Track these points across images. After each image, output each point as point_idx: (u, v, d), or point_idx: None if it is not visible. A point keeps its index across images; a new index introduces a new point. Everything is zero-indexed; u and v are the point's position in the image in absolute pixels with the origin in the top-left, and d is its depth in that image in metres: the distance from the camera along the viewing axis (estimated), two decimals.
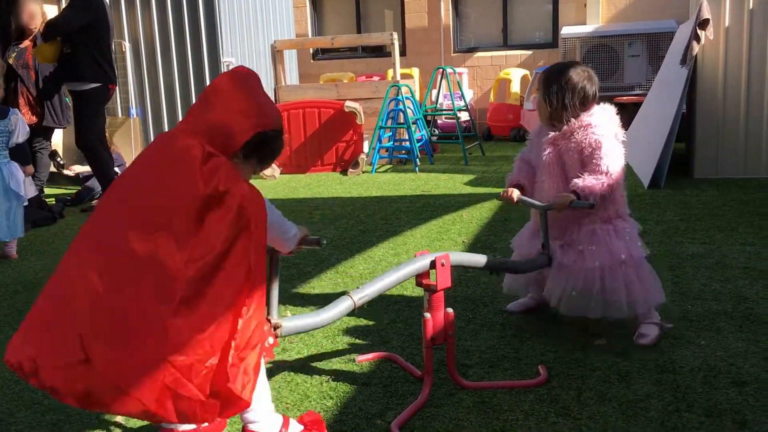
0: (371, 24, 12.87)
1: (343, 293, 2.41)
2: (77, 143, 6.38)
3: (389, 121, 8.53)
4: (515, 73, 10.89)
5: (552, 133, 3.05)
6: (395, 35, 8.91)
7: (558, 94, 2.99)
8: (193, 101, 8.26)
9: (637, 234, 3.07)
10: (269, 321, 2.11)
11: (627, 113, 7.59)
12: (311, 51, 12.77)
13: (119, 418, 2.54)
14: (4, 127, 4.95)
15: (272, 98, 8.96)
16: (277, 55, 9.29)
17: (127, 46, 8.30)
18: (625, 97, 8.66)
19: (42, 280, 4.42)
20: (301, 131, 8.50)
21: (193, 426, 2.16)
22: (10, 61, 6.27)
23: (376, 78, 10.85)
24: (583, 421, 2.40)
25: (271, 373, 2.83)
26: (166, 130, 8.31)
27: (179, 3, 8.18)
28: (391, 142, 8.77)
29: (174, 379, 1.71)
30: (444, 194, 6.61)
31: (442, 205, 6.06)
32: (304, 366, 2.95)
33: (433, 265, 2.56)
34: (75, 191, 7.25)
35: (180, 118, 8.18)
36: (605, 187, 2.88)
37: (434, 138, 10.03)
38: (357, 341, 3.17)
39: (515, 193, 3.10)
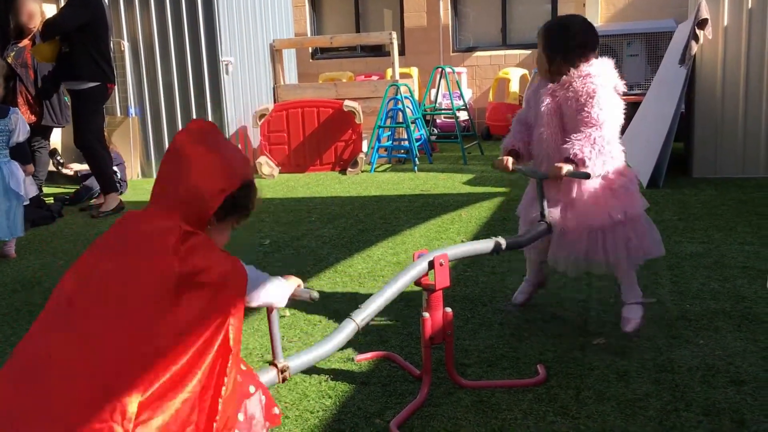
0: (370, 23, 12.87)
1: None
2: (75, 142, 6.37)
3: (388, 121, 8.52)
4: (514, 72, 10.89)
5: (550, 84, 3.04)
6: (394, 34, 8.91)
7: (559, 44, 2.98)
8: (192, 100, 8.30)
9: (635, 188, 3.06)
10: (276, 366, 2.07)
11: (626, 113, 7.59)
12: (310, 50, 12.77)
13: None
14: (5, 126, 4.94)
15: (268, 97, 8.96)
16: (276, 54, 9.29)
17: (125, 45, 8.30)
18: (623, 97, 8.65)
19: (41, 279, 4.42)
20: (299, 131, 8.49)
21: None
22: (9, 60, 6.26)
23: (374, 77, 10.84)
24: (582, 420, 2.40)
25: None
26: (165, 129, 8.34)
27: (178, 2, 8.18)
28: (390, 142, 8.77)
29: None
30: (443, 193, 6.61)
31: (441, 205, 6.06)
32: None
33: (431, 265, 2.56)
34: (73, 190, 7.24)
35: (179, 118, 8.28)
36: (597, 143, 2.84)
37: (433, 137, 10.03)
38: (355, 340, 3.16)
39: (509, 162, 3.08)
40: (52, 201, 6.72)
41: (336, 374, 2.84)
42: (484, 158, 8.92)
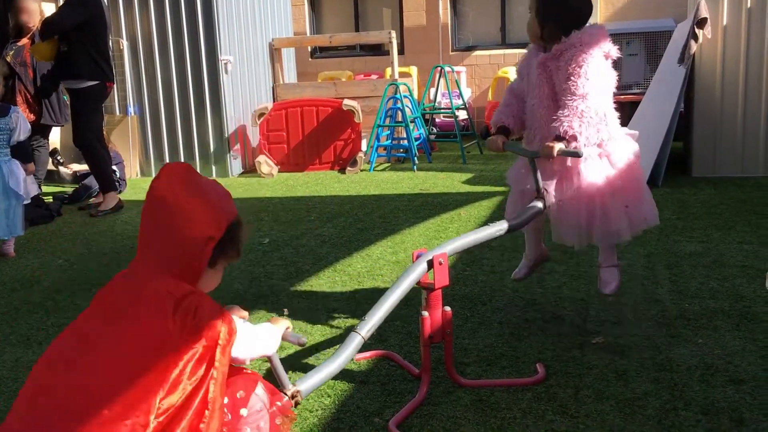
0: (369, 22, 12.86)
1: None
2: (74, 141, 6.37)
3: (387, 120, 8.52)
4: (513, 71, 10.88)
5: (542, 54, 3.00)
6: (393, 33, 8.91)
7: (553, 8, 2.94)
8: (191, 99, 8.30)
9: (630, 153, 3.04)
10: (285, 393, 2.05)
11: (625, 112, 7.59)
12: (309, 49, 12.76)
13: None
14: (5, 125, 4.94)
15: (268, 96, 8.94)
16: (275, 53, 9.29)
17: (124, 44, 8.29)
18: (623, 96, 8.65)
19: (39, 278, 4.42)
20: (299, 130, 8.49)
21: None
22: (8, 58, 6.26)
23: (374, 76, 10.84)
24: (581, 419, 2.40)
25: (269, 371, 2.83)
26: (164, 128, 8.33)
27: (177, 1, 8.16)
28: (389, 141, 8.77)
29: None
30: (442, 193, 6.61)
31: (440, 204, 6.06)
32: (301, 364, 2.95)
33: (430, 264, 2.55)
34: (72, 189, 7.24)
35: (178, 117, 8.28)
36: (586, 116, 2.81)
37: (432, 136, 10.03)
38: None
39: (501, 142, 3.06)
40: (51, 200, 6.72)
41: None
42: (484, 157, 8.92)
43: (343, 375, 2.81)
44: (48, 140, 6.90)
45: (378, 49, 12.34)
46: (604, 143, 2.98)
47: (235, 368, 1.93)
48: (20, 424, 1.71)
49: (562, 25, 2.94)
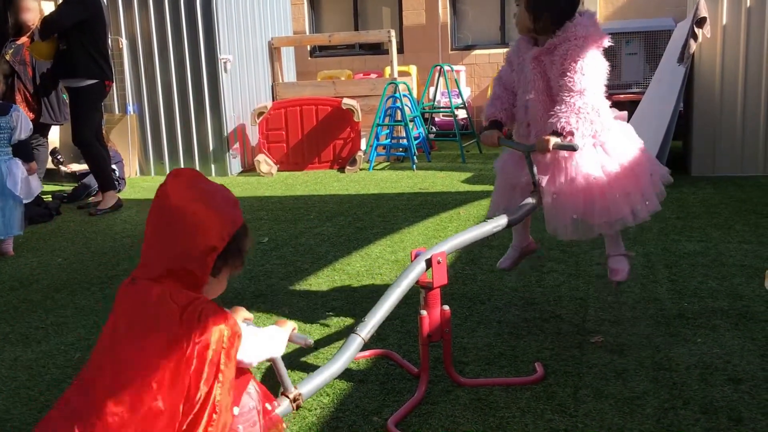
0: (369, 21, 12.86)
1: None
2: (74, 140, 6.36)
3: (387, 119, 8.52)
4: None
5: (535, 48, 2.98)
6: (393, 32, 8.90)
7: (549, 3, 2.90)
8: (191, 98, 8.29)
9: (625, 141, 3.03)
10: (287, 396, 2.06)
11: (625, 111, 7.59)
12: (309, 48, 12.76)
13: None
14: (6, 124, 4.93)
15: (267, 95, 8.93)
16: (274, 52, 9.28)
17: (124, 42, 8.28)
18: (622, 95, 8.65)
19: (38, 277, 4.42)
20: (298, 128, 8.49)
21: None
22: (8, 57, 6.26)
23: (373, 75, 10.83)
24: (580, 418, 2.40)
25: (268, 371, 2.83)
26: (163, 127, 8.32)
27: (176, 0, 8.17)
28: (389, 140, 8.77)
29: None
30: (441, 192, 6.61)
31: (440, 203, 6.06)
32: (300, 363, 2.95)
33: (429, 263, 2.55)
34: (72, 188, 7.24)
35: (177, 116, 8.27)
36: (582, 111, 2.82)
37: (432, 136, 10.02)
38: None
39: (496, 137, 3.05)
40: (50, 199, 6.71)
41: None
42: (483, 156, 8.91)
43: (342, 374, 2.79)
44: (47, 139, 6.90)
45: (377, 48, 12.33)
46: (597, 134, 2.97)
47: None
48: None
49: (556, 17, 2.91)
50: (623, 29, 9.54)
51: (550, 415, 2.43)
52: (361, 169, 8.21)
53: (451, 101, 9.36)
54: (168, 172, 2.17)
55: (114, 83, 6.74)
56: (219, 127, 8.28)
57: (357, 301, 3.65)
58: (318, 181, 7.62)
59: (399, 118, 8.46)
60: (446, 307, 2.61)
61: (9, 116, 4.94)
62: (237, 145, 8.51)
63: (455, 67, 10.56)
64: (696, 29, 6.38)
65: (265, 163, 8.28)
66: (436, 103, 10.02)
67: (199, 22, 8.15)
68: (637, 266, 3.95)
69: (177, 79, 8.29)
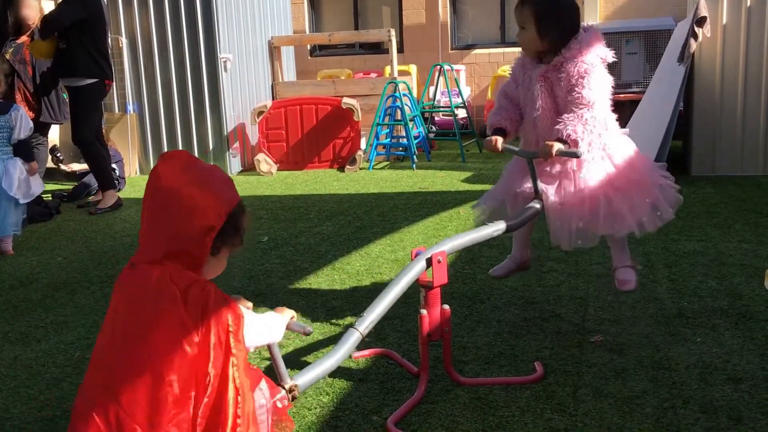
0: (369, 20, 12.86)
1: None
2: (73, 139, 6.37)
3: (386, 118, 8.52)
4: None
5: (542, 66, 3.00)
6: (393, 32, 8.90)
7: (551, 22, 2.92)
8: (191, 97, 8.29)
9: (631, 153, 3.05)
10: (283, 387, 2.06)
11: (625, 111, 7.59)
12: (309, 47, 12.76)
13: None
14: (5, 123, 4.93)
15: (267, 94, 8.94)
16: (274, 51, 9.28)
17: (124, 41, 8.28)
18: (622, 95, 8.65)
19: (38, 276, 4.42)
20: (298, 128, 8.48)
21: None
22: (7, 56, 6.25)
23: (373, 75, 10.83)
24: (579, 418, 2.40)
25: (268, 370, 2.83)
26: (163, 126, 8.33)
27: None
28: (389, 139, 8.77)
29: None
30: (441, 191, 6.61)
31: (439, 202, 6.06)
32: (300, 362, 2.95)
33: (429, 262, 2.55)
34: (71, 187, 7.24)
35: (177, 115, 8.27)
36: (590, 123, 2.85)
37: (431, 135, 10.02)
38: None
39: (499, 142, 3.05)
40: (50, 198, 6.71)
41: (333, 371, 2.83)
42: (483, 156, 8.92)
43: (342, 373, 2.81)
44: (47, 138, 6.89)
45: (377, 48, 12.33)
46: (606, 147, 3.01)
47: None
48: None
49: (563, 35, 2.94)
50: (623, 29, 9.53)
51: (549, 414, 2.43)
52: (360, 169, 8.21)
53: (451, 101, 9.36)
54: None
55: (114, 82, 6.74)
56: (219, 126, 8.28)
57: (357, 300, 3.65)
58: (318, 181, 7.62)
59: (399, 118, 8.46)
60: (446, 307, 2.61)
61: (8, 115, 4.94)
62: (237, 145, 8.51)
63: (455, 67, 10.56)
64: (696, 29, 6.38)
65: (264, 162, 8.28)
66: (436, 102, 10.02)
67: (199, 21, 8.15)
68: (637, 253, 3.94)
69: (177, 78, 8.29)
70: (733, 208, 5.30)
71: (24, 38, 6.38)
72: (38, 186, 5.22)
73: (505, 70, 10.90)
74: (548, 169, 3.02)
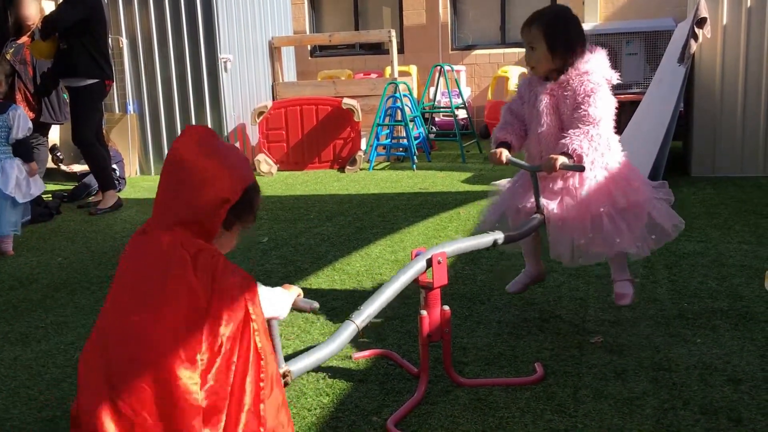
0: (369, 21, 12.86)
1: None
2: (73, 139, 6.37)
3: (387, 119, 8.52)
4: (513, 70, 10.88)
5: (548, 83, 3.03)
6: (393, 32, 8.90)
7: (561, 39, 2.96)
8: (191, 97, 8.29)
9: (634, 173, 3.09)
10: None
11: (625, 111, 7.59)
12: (309, 48, 12.76)
13: None
14: (3, 122, 4.92)
15: (267, 95, 8.94)
16: (274, 51, 9.28)
17: (124, 42, 8.28)
18: (622, 96, 8.65)
19: (38, 277, 4.42)
20: (298, 128, 8.49)
21: None
22: (8, 56, 6.25)
23: (373, 75, 10.84)
24: (579, 419, 2.40)
25: None
26: (163, 126, 8.33)
27: None
28: (389, 140, 8.77)
29: None
30: (441, 192, 6.61)
31: (440, 203, 6.06)
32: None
33: (429, 263, 2.56)
34: (72, 187, 7.24)
35: (177, 115, 8.27)
36: (595, 139, 2.87)
37: (432, 135, 10.02)
38: (353, 339, 3.16)
39: (504, 154, 3.07)
40: (50, 198, 6.71)
41: (333, 372, 2.84)
42: (483, 156, 8.92)
43: (342, 374, 2.81)
44: (47, 138, 6.90)
45: (378, 48, 12.34)
46: (608, 166, 3.04)
47: None
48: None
49: (573, 52, 2.98)
50: (624, 29, 9.54)
51: (549, 416, 2.43)
52: (361, 169, 8.21)
53: (451, 101, 9.36)
54: None
55: (114, 83, 6.74)
56: (219, 126, 8.28)
57: (357, 300, 3.63)
58: (318, 181, 7.62)
59: (399, 118, 8.46)
60: (446, 307, 2.61)
61: (6, 115, 4.93)
62: (237, 145, 8.51)
63: (455, 67, 10.56)
64: (696, 29, 6.38)
65: (265, 162, 8.28)
66: (436, 103, 10.02)
67: (200, 22, 8.15)
68: (636, 266, 3.95)
69: (177, 78, 8.29)
70: (733, 208, 5.30)
71: (24, 39, 6.39)
72: (38, 186, 5.21)
73: (506, 70, 10.90)
74: (551, 185, 3.05)
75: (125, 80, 8.30)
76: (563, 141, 2.91)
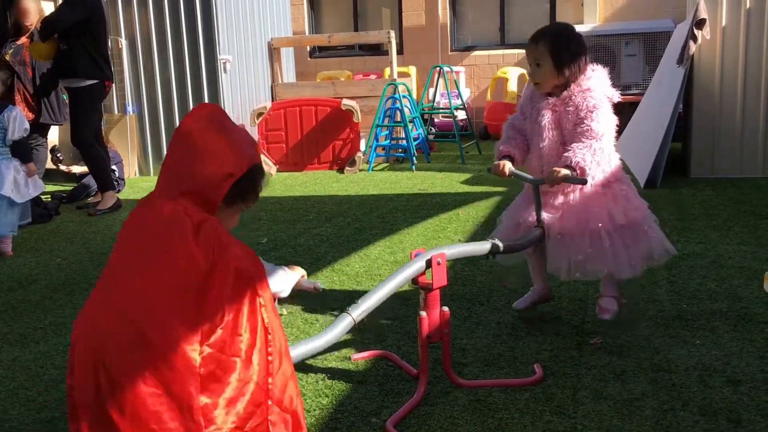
0: (368, 22, 12.87)
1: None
2: (72, 140, 6.36)
3: (386, 120, 8.52)
4: (512, 71, 10.89)
5: (551, 99, 3.05)
6: (392, 33, 8.91)
7: (570, 57, 2.98)
8: (190, 98, 8.29)
9: (634, 194, 3.10)
10: None
11: (624, 113, 7.60)
12: (308, 49, 12.76)
13: None
14: None
15: (266, 95, 8.94)
16: (274, 52, 9.28)
17: (123, 43, 8.28)
18: (621, 97, 8.64)
19: (37, 277, 4.41)
20: (297, 129, 8.49)
21: None
22: (7, 57, 6.25)
23: (373, 76, 10.84)
24: (578, 420, 2.40)
25: None
26: (163, 127, 8.33)
27: (176, 0, 8.17)
28: (388, 141, 8.77)
29: None
30: (440, 193, 6.61)
31: (439, 204, 6.06)
32: (299, 364, 2.94)
33: (429, 264, 2.56)
34: (71, 188, 7.23)
35: (176, 116, 8.27)
36: (597, 153, 2.89)
37: (431, 136, 10.03)
38: (352, 339, 3.17)
39: (507, 166, 3.08)
40: (50, 199, 6.71)
41: (333, 373, 2.84)
42: (482, 157, 8.92)
43: (341, 375, 2.81)
44: (47, 139, 6.89)
45: (377, 49, 12.34)
46: (609, 182, 3.05)
47: None
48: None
49: (578, 67, 3.00)
50: (623, 30, 9.55)
51: (549, 417, 2.43)
52: (360, 170, 8.21)
53: (450, 102, 9.36)
54: None
55: (113, 83, 6.74)
56: None
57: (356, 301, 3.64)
58: (317, 182, 7.62)
59: (398, 119, 8.46)
60: (445, 308, 2.61)
61: (2, 116, 4.92)
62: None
63: (455, 68, 10.57)
64: (695, 31, 6.38)
65: (264, 163, 8.27)
66: (435, 104, 10.03)
67: (199, 23, 8.16)
68: (633, 285, 3.94)
69: (176, 79, 8.29)
70: (733, 210, 5.30)
71: (24, 39, 6.39)
72: (37, 187, 5.21)
73: (505, 72, 10.91)
74: (552, 200, 3.07)
75: (124, 81, 8.30)
76: (566, 154, 2.93)
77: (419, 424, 2.42)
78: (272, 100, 9.03)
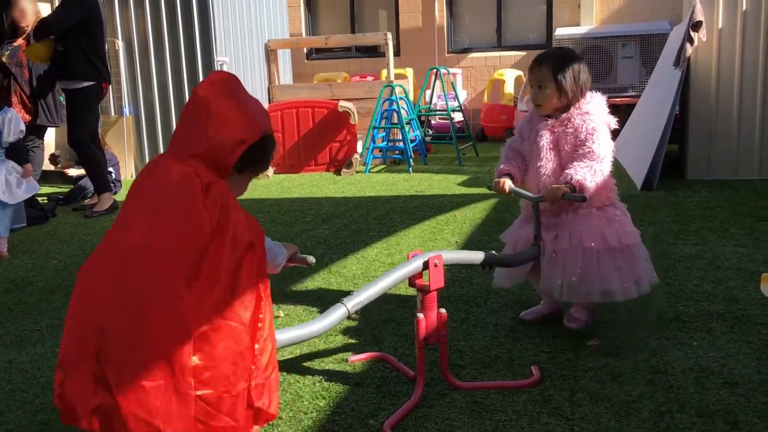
0: (365, 24, 12.87)
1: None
2: (69, 141, 6.36)
3: (383, 122, 8.52)
4: (509, 73, 10.90)
5: (549, 120, 3.08)
6: (389, 35, 8.91)
7: (573, 79, 3.01)
8: (187, 100, 8.25)
9: (627, 219, 3.12)
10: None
11: (620, 115, 7.61)
12: (305, 51, 12.76)
13: None
14: None
15: (263, 97, 8.94)
16: (270, 54, 9.28)
17: (120, 44, 8.28)
18: (618, 99, 8.67)
19: (33, 279, 4.40)
20: (294, 131, 8.49)
21: None
22: (4, 59, 6.25)
23: (369, 78, 10.84)
24: (576, 422, 2.40)
25: None
26: (159, 129, 8.32)
27: (173, 1, 8.16)
28: (385, 143, 8.77)
29: (205, 413, 1.76)
30: (437, 194, 6.62)
31: (436, 206, 6.06)
32: (296, 366, 2.94)
33: (426, 265, 2.56)
34: (67, 190, 7.22)
35: (173, 117, 8.26)
36: (597, 174, 2.92)
37: (428, 138, 10.03)
38: (350, 341, 3.17)
39: (507, 184, 3.10)
40: (46, 200, 6.70)
41: (330, 375, 2.83)
42: (479, 159, 8.93)
43: (338, 377, 2.81)
44: (43, 141, 6.89)
45: (374, 51, 12.35)
46: (604, 207, 3.07)
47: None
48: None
49: (578, 94, 3.03)
50: (619, 32, 9.57)
51: (546, 419, 2.43)
52: (357, 172, 8.21)
53: (447, 104, 9.37)
54: None
55: (110, 85, 6.73)
56: None
57: None
58: (314, 184, 7.62)
59: (395, 121, 8.46)
60: (443, 310, 2.61)
61: None
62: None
63: (452, 70, 10.57)
64: (692, 33, 6.39)
65: None
66: (432, 105, 10.03)
67: (196, 24, 8.15)
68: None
69: (173, 81, 8.28)
70: (729, 211, 5.31)
71: (20, 41, 6.38)
72: (30, 188, 5.19)
73: (502, 73, 10.92)
74: (547, 219, 3.08)
75: (121, 83, 8.29)
76: (567, 171, 2.96)
77: (416, 426, 2.41)
78: (269, 102, 9.03)
